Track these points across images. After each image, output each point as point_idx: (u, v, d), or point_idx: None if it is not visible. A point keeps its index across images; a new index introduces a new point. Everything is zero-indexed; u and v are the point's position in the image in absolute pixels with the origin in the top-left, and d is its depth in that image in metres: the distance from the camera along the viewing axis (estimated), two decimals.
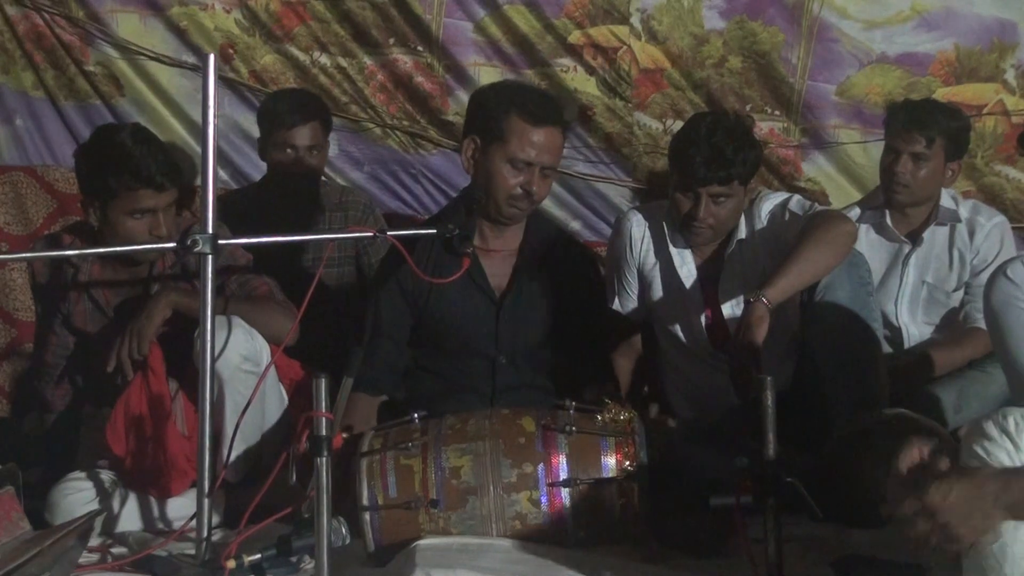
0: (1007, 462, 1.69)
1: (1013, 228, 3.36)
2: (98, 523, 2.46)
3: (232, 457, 2.47)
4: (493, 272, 2.81)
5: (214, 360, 2.32)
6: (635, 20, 3.67)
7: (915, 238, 3.27)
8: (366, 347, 2.79)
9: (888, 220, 3.28)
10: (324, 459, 1.95)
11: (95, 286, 2.83)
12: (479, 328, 2.79)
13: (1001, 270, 2.35)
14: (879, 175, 3.30)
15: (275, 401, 2.73)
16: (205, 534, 2.21)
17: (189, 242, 2.25)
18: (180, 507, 2.53)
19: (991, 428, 1.72)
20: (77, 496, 2.57)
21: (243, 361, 2.58)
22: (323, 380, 1.97)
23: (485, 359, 2.79)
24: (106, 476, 2.61)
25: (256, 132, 3.51)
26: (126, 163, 2.64)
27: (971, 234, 3.25)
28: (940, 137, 3.17)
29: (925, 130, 3.16)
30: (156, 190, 2.65)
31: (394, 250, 2.80)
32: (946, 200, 3.28)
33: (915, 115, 3.20)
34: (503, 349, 2.79)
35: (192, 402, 2.56)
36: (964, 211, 3.27)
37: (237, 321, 2.61)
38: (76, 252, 2.79)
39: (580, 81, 3.73)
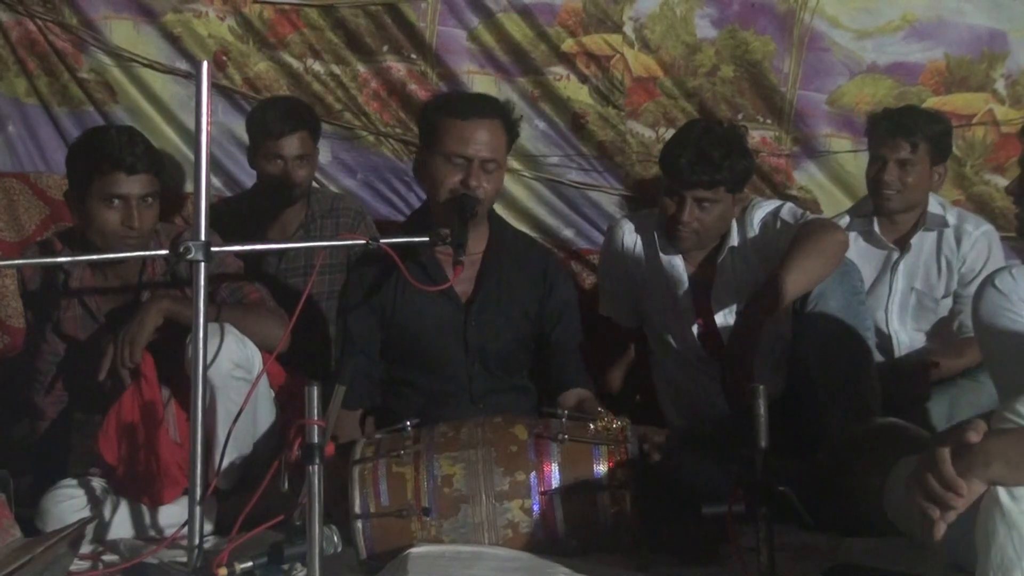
0: None
1: (1001, 237, 3.37)
2: (89, 530, 2.45)
3: (224, 464, 2.47)
4: (458, 279, 2.79)
5: (206, 367, 2.31)
6: (628, 29, 3.68)
7: (903, 244, 3.29)
8: (337, 363, 2.77)
9: (876, 227, 3.29)
10: (316, 467, 1.95)
11: (86, 292, 2.82)
12: (448, 335, 2.77)
13: (989, 280, 2.35)
14: (866, 185, 3.31)
15: (267, 408, 2.72)
16: (197, 541, 2.20)
17: (181, 249, 2.25)
18: (172, 514, 2.52)
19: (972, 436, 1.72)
20: (68, 503, 2.56)
21: (235, 368, 2.57)
22: (315, 388, 1.97)
23: (459, 366, 2.77)
24: (97, 483, 2.61)
25: None
26: (102, 148, 2.67)
27: (958, 241, 3.26)
28: (924, 142, 3.20)
29: (909, 136, 3.19)
30: (127, 173, 2.65)
31: (360, 262, 2.83)
32: (934, 206, 3.29)
33: (898, 122, 3.23)
34: (474, 354, 2.77)
35: (184, 409, 2.56)
36: (951, 217, 3.29)
37: (229, 328, 2.60)
38: (66, 259, 2.79)
39: (573, 89, 3.73)
